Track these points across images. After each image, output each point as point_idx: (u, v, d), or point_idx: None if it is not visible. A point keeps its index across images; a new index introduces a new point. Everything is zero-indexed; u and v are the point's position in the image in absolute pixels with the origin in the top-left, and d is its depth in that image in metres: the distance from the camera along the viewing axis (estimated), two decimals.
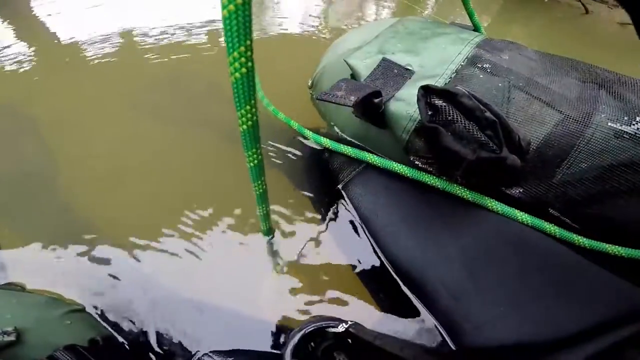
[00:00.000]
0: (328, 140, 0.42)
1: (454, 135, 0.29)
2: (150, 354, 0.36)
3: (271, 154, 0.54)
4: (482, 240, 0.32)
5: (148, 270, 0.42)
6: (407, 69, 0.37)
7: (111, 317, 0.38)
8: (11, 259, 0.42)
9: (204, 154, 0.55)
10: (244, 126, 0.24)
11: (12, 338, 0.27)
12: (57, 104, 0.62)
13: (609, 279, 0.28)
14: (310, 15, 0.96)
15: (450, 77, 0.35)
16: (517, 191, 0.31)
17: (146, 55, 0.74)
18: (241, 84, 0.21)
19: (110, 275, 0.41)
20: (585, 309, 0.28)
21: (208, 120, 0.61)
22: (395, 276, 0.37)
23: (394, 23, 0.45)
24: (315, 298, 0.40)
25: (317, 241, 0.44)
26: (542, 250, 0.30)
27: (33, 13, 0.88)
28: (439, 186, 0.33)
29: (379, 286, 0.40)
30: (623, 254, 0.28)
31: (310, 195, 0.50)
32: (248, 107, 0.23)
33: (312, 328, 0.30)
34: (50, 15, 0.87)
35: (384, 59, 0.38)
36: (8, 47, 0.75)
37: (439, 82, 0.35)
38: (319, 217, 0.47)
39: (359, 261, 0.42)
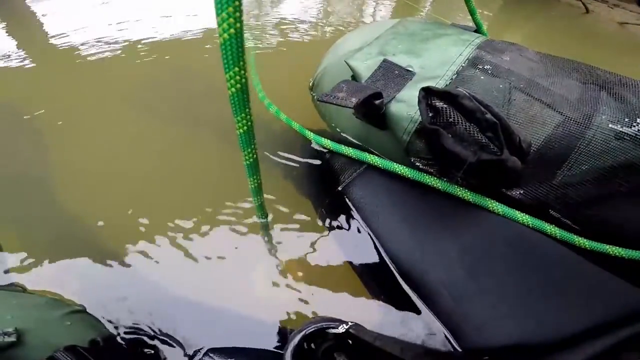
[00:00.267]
0: (329, 141, 0.42)
1: (454, 137, 0.29)
2: (151, 354, 0.36)
3: (271, 154, 0.54)
4: (483, 241, 0.32)
5: (148, 271, 0.42)
6: (408, 70, 0.37)
7: (111, 318, 0.38)
8: (12, 259, 0.42)
9: (203, 154, 0.55)
10: (233, 89, 0.24)
11: (12, 339, 0.27)
12: (56, 104, 0.62)
13: (609, 280, 0.28)
14: (310, 16, 0.96)
15: (451, 79, 0.35)
16: (518, 192, 0.31)
17: (145, 55, 0.74)
18: (229, 45, 0.21)
19: (110, 275, 0.41)
20: (585, 310, 0.28)
21: (208, 120, 0.61)
22: (397, 276, 0.37)
23: (394, 24, 0.45)
24: (316, 298, 0.40)
25: (318, 242, 0.44)
26: (543, 251, 0.30)
27: (30, 12, 0.88)
28: (440, 187, 0.33)
29: (380, 287, 0.40)
30: (623, 255, 0.28)
31: (311, 196, 0.50)
32: (237, 69, 0.23)
33: (313, 329, 0.30)
34: (47, 14, 0.87)
35: (384, 60, 0.38)
36: (5, 46, 0.75)
37: (439, 84, 0.35)
38: (320, 218, 0.47)
39: (360, 262, 0.42)
